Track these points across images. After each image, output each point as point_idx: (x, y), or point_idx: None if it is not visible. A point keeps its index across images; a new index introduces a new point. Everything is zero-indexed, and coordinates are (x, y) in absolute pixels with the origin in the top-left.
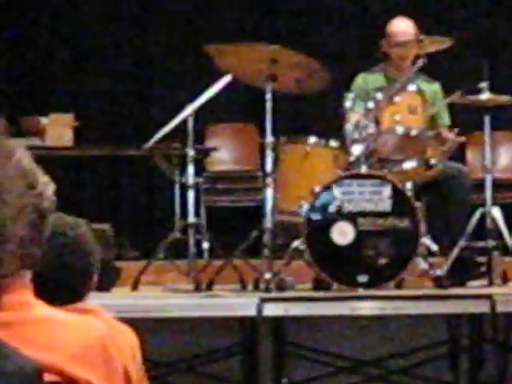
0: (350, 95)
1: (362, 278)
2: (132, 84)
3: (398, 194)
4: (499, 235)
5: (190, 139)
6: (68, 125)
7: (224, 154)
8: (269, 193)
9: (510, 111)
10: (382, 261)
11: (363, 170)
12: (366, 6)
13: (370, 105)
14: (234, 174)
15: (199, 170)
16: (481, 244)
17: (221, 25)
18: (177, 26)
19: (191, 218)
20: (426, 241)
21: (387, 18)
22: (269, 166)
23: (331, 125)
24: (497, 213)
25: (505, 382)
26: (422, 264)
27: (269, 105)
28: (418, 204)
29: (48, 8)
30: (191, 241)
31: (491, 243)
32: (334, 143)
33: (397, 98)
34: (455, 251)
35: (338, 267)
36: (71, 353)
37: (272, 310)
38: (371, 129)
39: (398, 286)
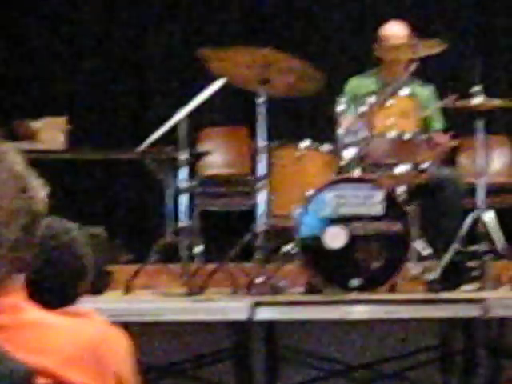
0: (343, 99)
1: (355, 282)
2: (125, 87)
3: (390, 198)
4: (492, 240)
5: (182, 143)
6: (60, 128)
7: (216, 158)
8: (261, 197)
9: (503, 115)
10: (375, 265)
11: (355, 174)
12: (360, 10)
13: (363, 109)
14: (227, 177)
15: (192, 174)
16: (473, 248)
17: (214, 29)
18: (170, 30)
19: (183, 222)
20: (419, 245)
21: (380, 22)
22: (261, 170)
23: (323, 129)
24: (489, 217)
25: None
26: (415, 268)
27: (261, 109)
28: (410, 208)
29: (42, 10)
30: (183, 244)
31: (483, 247)
32: (326, 147)
33: (389, 103)
34: (447, 255)
35: (331, 271)
36: (63, 356)
37: (264, 313)
38: (364, 133)
39: (391, 290)
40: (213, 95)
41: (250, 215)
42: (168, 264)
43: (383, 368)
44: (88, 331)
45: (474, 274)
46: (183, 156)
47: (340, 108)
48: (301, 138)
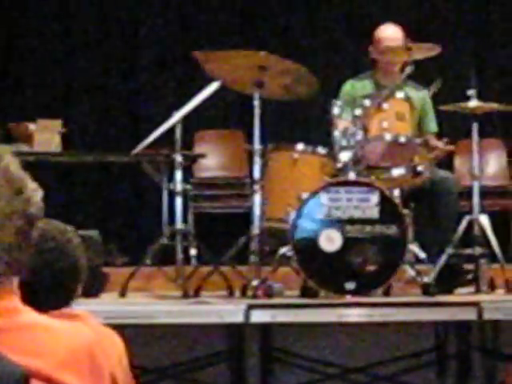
0: (338, 102)
1: (350, 285)
2: (120, 90)
3: (385, 201)
4: (487, 243)
5: (177, 145)
6: (56, 131)
7: (212, 161)
8: (256, 199)
9: (498, 119)
10: (370, 268)
11: (351, 176)
12: (356, 13)
13: (358, 112)
14: (222, 180)
15: (187, 177)
16: (468, 251)
17: (209, 31)
18: (165, 32)
19: (179, 225)
20: (414, 248)
21: (376, 25)
22: (256, 173)
23: (319, 132)
24: (484, 220)
25: None
26: (410, 271)
27: (257, 111)
28: (405, 211)
29: (38, 13)
30: (179, 247)
31: (478, 251)
32: (321, 150)
33: (385, 105)
34: (443, 258)
35: (326, 274)
36: (58, 359)
37: (259, 316)
38: (359, 136)
39: (386, 293)
40: (208, 98)
41: (245, 218)
42: (163, 267)
43: (378, 371)
44: (83, 334)
45: (469, 277)
46: (179, 158)
47: (336, 111)
48: (296, 141)
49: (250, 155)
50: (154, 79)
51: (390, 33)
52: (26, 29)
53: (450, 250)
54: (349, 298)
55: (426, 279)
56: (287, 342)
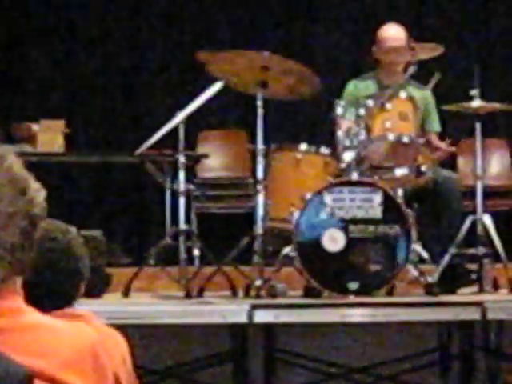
0: (341, 102)
1: (353, 285)
2: (123, 90)
3: (388, 201)
4: (490, 242)
5: (181, 146)
6: (59, 131)
7: (215, 161)
8: (260, 200)
9: (501, 118)
10: (373, 268)
11: (354, 176)
12: (358, 13)
13: (361, 112)
14: (225, 180)
15: (190, 177)
16: (471, 251)
17: (212, 31)
18: (169, 33)
19: (182, 225)
20: (417, 248)
21: (379, 25)
22: (260, 173)
23: (322, 132)
24: (488, 220)
25: None
26: (413, 271)
27: (260, 111)
28: (408, 211)
29: (39, 13)
30: (182, 247)
31: (482, 250)
32: (324, 150)
33: (388, 105)
34: (446, 258)
35: (329, 274)
36: (62, 359)
37: (263, 316)
38: (362, 136)
39: (389, 293)
40: (211, 98)
41: (248, 218)
42: (167, 267)
43: (381, 371)
44: (86, 334)
45: (472, 276)
46: (182, 159)
47: (339, 111)
48: (299, 141)
49: (253, 155)
50: (157, 80)
51: (393, 33)
52: (28, 29)
53: (453, 250)
54: (352, 298)
55: (429, 279)
56: (290, 342)
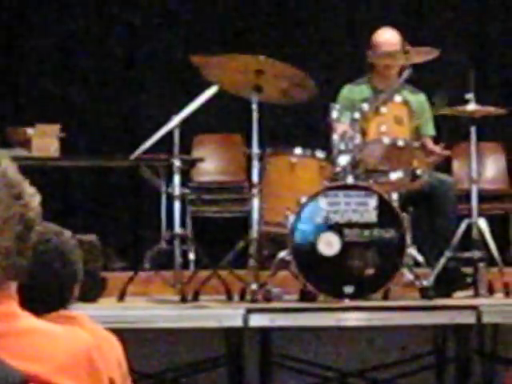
0: (337, 106)
1: (348, 289)
2: (118, 94)
3: (384, 204)
4: (485, 246)
5: (176, 150)
6: (54, 135)
7: (210, 165)
8: (255, 203)
9: (496, 122)
10: (368, 272)
11: (349, 180)
12: (353, 17)
13: (356, 115)
14: (220, 184)
15: (185, 181)
16: (467, 255)
17: (207, 35)
18: (163, 37)
19: (177, 229)
20: (412, 251)
21: (374, 29)
22: (255, 177)
23: (317, 136)
24: (483, 224)
25: None
26: (408, 275)
27: (255, 115)
28: (403, 215)
29: (35, 17)
30: (177, 251)
31: (477, 254)
32: (320, 154)
33: (383, 109)
34: (441, 262)
35: (324, 278)
36: (57, 364)
37: (258, 320)
38: (357, 139)
39: (384, 297)
40: (206, 102)
41: (243, 222)
42: (161, 271)
43: (377, 375)
44: (81, 338)
45: (468, 280)
46: (177, 163)
47: (334, 115)
48: (294, 145)
49: (249, 159)
50: (153, 84)
51: (387, 37)
52: (25, 33)
53: (448, 254)
54: (347, 302)
55: (424, 283)
56: (286, 345)
